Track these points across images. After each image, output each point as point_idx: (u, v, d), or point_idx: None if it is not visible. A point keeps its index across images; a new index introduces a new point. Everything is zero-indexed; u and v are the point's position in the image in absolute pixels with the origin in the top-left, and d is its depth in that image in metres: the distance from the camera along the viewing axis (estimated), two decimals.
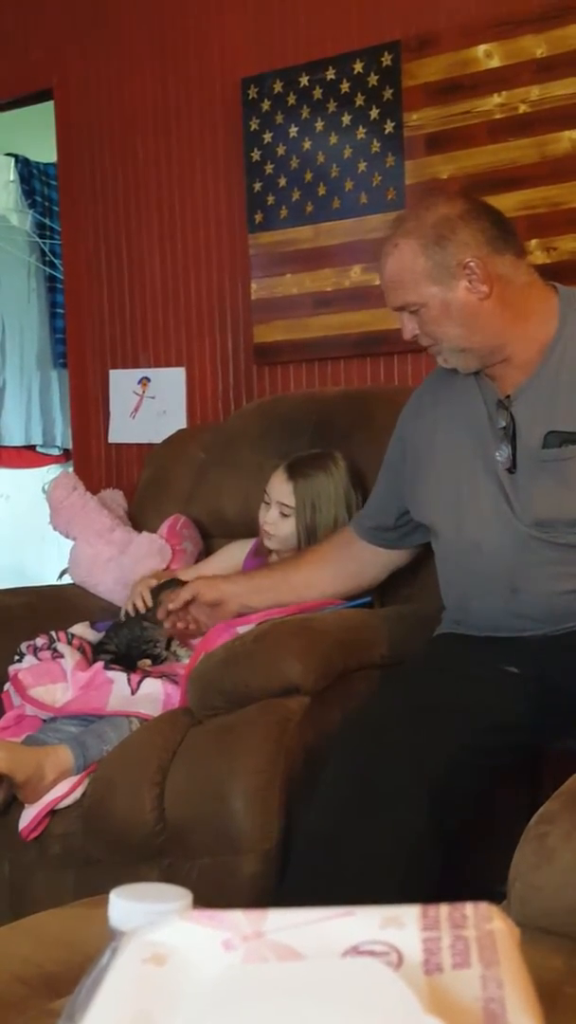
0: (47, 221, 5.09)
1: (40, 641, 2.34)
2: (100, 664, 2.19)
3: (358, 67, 2.83)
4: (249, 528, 2.58)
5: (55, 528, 2.85)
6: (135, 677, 2.15)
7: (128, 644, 2.38)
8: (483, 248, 1.82)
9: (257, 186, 3.04)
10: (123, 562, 2.67)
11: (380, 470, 2.18)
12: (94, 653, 2.36)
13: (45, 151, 4.43)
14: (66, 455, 5.18)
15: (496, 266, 1.82)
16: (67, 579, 2.86)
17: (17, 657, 2.33)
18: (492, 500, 1.86)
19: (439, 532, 1.98)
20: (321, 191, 2.93)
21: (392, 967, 0.50)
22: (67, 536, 2.83)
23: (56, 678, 2.20)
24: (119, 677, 2.15)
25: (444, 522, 1.96)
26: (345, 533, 2.21)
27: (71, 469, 3.54)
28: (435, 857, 1.63)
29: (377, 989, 0.48)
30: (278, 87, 2.97)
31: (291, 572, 2.20)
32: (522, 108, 2.59)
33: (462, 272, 1.81)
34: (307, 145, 2.94)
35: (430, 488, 1.98)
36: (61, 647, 2.29)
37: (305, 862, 1.69)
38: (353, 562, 2.18)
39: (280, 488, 2.35)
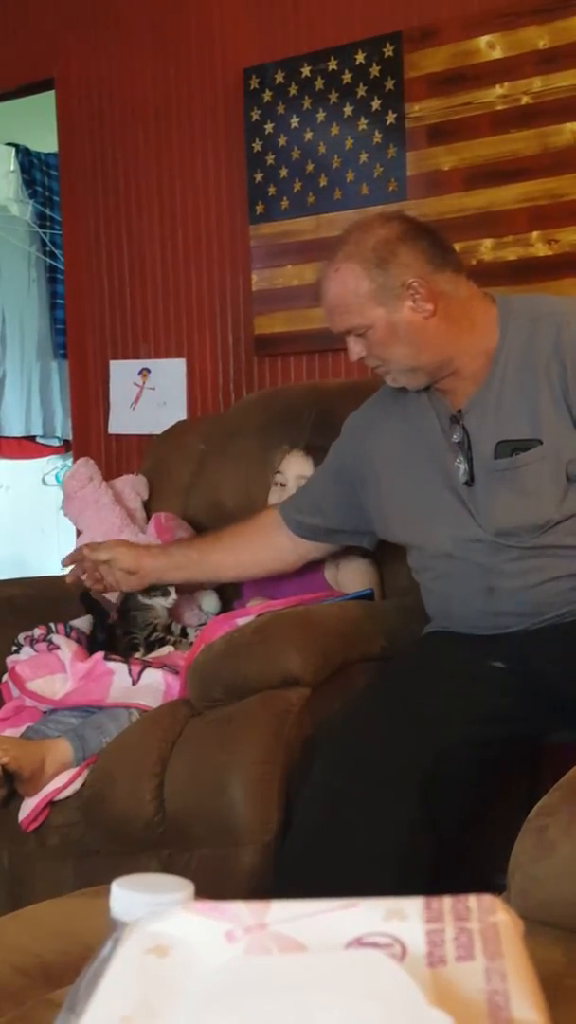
0: (48, 211, 5.08)
1: (38, 632, 2.33)
2: (100, 655, 2.19)
3: (360, 58, 2.82)
4: None
5: (65, 514, 2.81)
6: (136, 667, 2.15)
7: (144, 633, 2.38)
8: (424, 267, 1.84)
9: (258, 177, 3.03)
10: None
11: (321, 472, 2.20)
12: (95, 644, 2.34)
13: (46, 141, 4.42)
14: (66, 446, 5.18)
15: (438, 284, 1.85)
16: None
17: (15, 648, 2.32)
18: (455, 515, 1.89)
19: (411, 547, 2.02)
20: (322, 182, 2.92)
21: (396, 959, 0.50)
22: (76, 525, 2.81)
23: (54, 669, 2.20)
24: (120, 668, 2.14)
25: (414, 538, 1.99)
26: (271, 516, 2.23)
27: (71, 460, 3.53)
28: (428, 848, 1.63)
29: (381, 981, 0.48)
30: (280, 77, 2.96)
31: (209, 551, 2.26)
32: (524, 100, 2.59)
33: (406, 292, 1.83)
34: (308, 136, 2.94)
35: (396, 511, 2.01)
36: (57, 639, 2.28)
37: (296, 854, 1.70)
38: (271, 550, 2.23)
39: (299, 463, 2.38)
